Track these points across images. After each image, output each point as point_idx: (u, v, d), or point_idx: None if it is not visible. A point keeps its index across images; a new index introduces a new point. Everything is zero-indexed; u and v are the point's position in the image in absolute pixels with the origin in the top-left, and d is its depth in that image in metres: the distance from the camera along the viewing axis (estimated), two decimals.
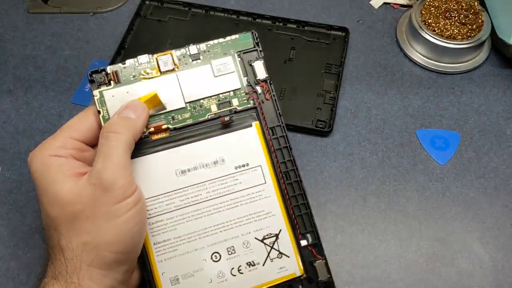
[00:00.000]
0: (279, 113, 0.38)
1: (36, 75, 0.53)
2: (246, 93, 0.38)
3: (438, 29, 0.52)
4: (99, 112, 0.36)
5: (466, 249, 0.42)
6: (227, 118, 0.37)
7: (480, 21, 0.52)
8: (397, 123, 0.49)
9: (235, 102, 0.38)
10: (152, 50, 0.53)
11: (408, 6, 0.58)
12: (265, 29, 0.55)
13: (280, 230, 0.37)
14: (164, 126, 0.36)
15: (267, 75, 0.38)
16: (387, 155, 0.47)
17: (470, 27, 0.52)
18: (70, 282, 0.31)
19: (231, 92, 0.38)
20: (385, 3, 0.58)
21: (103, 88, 0.36)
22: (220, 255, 0.36)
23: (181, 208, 0.36)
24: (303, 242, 0.37)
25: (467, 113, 0.50)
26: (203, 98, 0.37)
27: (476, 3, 0.53)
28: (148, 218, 0.35)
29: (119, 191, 0.31)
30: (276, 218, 0.37)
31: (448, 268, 0.42)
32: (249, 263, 0.36)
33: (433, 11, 0.53)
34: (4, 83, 0.52)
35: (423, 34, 0.52)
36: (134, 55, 0.53)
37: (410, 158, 0.47)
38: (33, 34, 0.56)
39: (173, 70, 0.37)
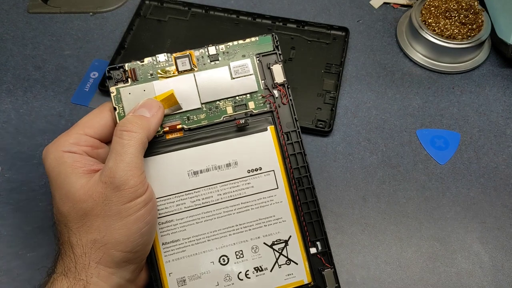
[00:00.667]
0: (295, 118, 0.38)
1: (36, 75, 0.53)
2: (263, 97, 0.37)
3: (438, 29, 0.52)
4: (115, 109, 0.36)
5: (466, 249, 0.42)
6: (242, 121, 0.36)
7: (480, 21, 0.52)
8: (397, 123, 0.49)
9: (251, 105, 0.37)
10: (152, 50, 0.54)
11: (408, 6, 0.58)
12: (265, 29, 0.55)
13: (290, 236, 0.36)
14: (179, 126, 0.36)
15: (285, 79, 0.38)
16: (387, 155, 0.47)
17: (470, 27, 0.52)
18: (78, 279, 0.31)
19: (248, 95, 0.37)
20: (385, 3, 0.58)
21: (120, 85, 0.36)
22: (228, 259, 0.36)
23: (191, 209, 0.36)
24: (313, 250, 0.37)
25: (467, 113, 0.50)
26: (219, 100, 0.37)
27: (476, 3, 0.53)
28: (158, 218, 0.35)
29: (130, 190, 0.31)
30: (286, 224, 0.36)
31: (448, 268, 0.42)
32: (256, 268, 0.36)
33: (433, 11, 0.53)
34: (4, 83, 0.52)
35: (423, 34, 0.52)
36: (134, 55, 0.53)
37: (410, 158, 0.47)
38: (33, 34, 0.56)
39: (191, 70, 0.37)
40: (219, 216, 0.36)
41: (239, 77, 0.37)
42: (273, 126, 0.37)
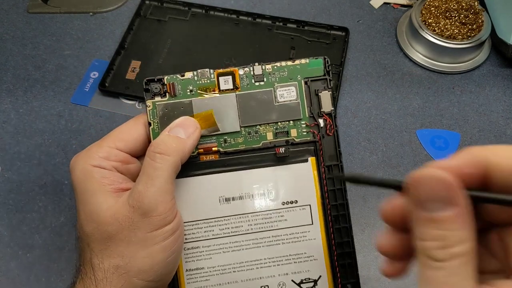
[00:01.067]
0: (339, 151, 0.35)
1: (35, 75, 0.53)
2: (307, 125, 0.35)
3: (438, 29, 0.52)
4: (149, 124, 0.34)
5: None
6: (282, 150, 0.34)
7: (480, 21, 0.52)
8: (397, 123, 0.49)
9: (293, 132, 0.35)
10: (152, 50, 0.54)
11: (408, 6, 0.58)
12: (265, 29, 0.55)
13: (320, 276, 0.34)
14: (215, 148, 0.34)
15: (332, 108, 0.35)
16: (387, 155, 0.47)
17: (470, 27, 0.52)
18: None
19: (291, 122, 0.35)
20: (385, 3, 0.58)
21: (157, 98, 0.34)
22: None
23: (219, 237, 0.34)
24: None
25: (467, 113, 0.50)
26: (260, 124, 0.35)
27: (476, 3, 0.53)
28: (184, 243, 0.34)
29: (159, 218, 0.30)
30: (317, 263, 0.34)
31: None
32: None
33: (433, 11, 0.53)
34: (4, 83, 0.52)
35: (423, 34, 0.52)
36: (134, 55, 0.53)
37: (410, 158, 0.47)
38: (33, 34, 0.56)
39: (233, 89, 0.34)
40: (248, 247, 0.34)
41: (284, 102, 0.35)
42: (314, 157, 0.35)
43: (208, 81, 0.34)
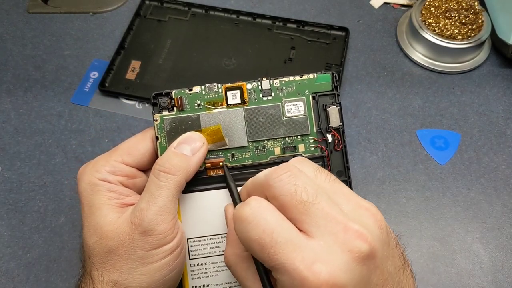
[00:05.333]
0: (347, 166, 0.35)
1: (36, 75, 0.53)
2: (315, 140, 0.34)
3: (438, 29, 0.52)
4: (157, 138, 0.33)
5: (466, 249, 0.42)
6: None
7: (480, 21, 0.52)
8: (397, 123, 0.49)
9: (301, 147, 0.34)
10: (152, 50, 0.54)
11: (408, 6, 0.58)
12: (265, 29, 0.55)
13: None
14: (222, 163, 0.34)
15: (341, 123, 0.35)
16: (387, 155, 0.47)
17: (470, 27, 0.52)
18: None
19: (299, 137, 0.34)
20: (385, 3, 0.58)
21: (164, 113, 0.34)
22: None
23: None
24: None
25: (467, 113, 0.50)
26: (267, 139, 0.34)
27: (476, 3, 0.53)
28: (190, 259, 0.33)
29: (158, 237, 0.30)
30: None
31: (448, 268, 0.41)
32: None
33: (433, 11, 0.53)
34: (4, 83, 0.52)
35: (423, 34, 0.52)
36: (134, 55, 0.53)
37: (410, 158, 0.47)
38: (33, 34, 0.56)
39: (241, 104, 0.34)
40: None
41: (292, 116, 0.34)
42: None
43: (216, 95, 0.34)
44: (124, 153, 0.33)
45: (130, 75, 0.52)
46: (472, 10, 0.52)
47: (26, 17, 0.57)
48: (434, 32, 0.52)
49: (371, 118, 0.50)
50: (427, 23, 0.52)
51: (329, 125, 0.34)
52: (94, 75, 0.53)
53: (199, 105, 0.34)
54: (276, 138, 0.34)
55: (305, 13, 0.57)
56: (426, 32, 0.52)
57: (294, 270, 0.24)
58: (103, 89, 0.51)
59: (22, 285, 0.41)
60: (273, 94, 0.35)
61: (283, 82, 0.35)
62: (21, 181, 0.46)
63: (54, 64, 0.53)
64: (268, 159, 0.34)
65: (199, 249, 0.34)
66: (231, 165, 0.34)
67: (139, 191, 0.33)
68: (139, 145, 0.34)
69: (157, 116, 0.34)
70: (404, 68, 0.53)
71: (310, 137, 0.35)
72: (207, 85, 0.34)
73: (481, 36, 0.51)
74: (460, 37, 0.51)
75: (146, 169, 0.34)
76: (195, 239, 0.33)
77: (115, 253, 0.30)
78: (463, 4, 0.53)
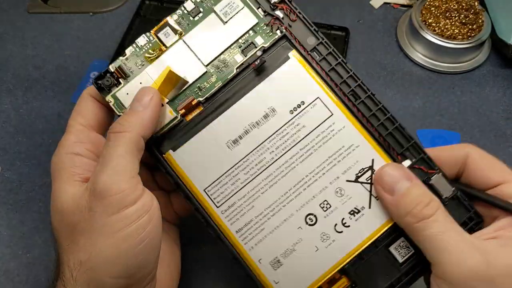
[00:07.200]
0: (314, 29, 0.32)
1: (36, 75, 0.53)
2: (267, 25, 0.32)
3: (438, 29, 0.52)
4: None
5: None
6: (257, 62, 0.31)
7: (480, 21, 0.52)
8: None
9: (259, 40, 0.32)
10: None
11: (408, 6, 0.58)
12: None
13: (373, 159, 0.31)
14: (194, 102, 0.32)
15: None
16: None
17: (470, 27, 0.52)
18: None
19: (250, 32, 0.32)
20: (385, 3, 0.58)
21: (114, 90, 0.32)
22: (315, 216, 0.31)
23: (249, 182, 0.31)
24: (406, 163, 0.31)
25: (467, 113, 0.50)
26: (222, 53, 0.32)
27: (476, 3, 0.53)
28: (217, 207, 0.31)
29: (115, 198, 0.26)
30: (362, 149, 0.31)
31: None
32: (352, 212, 0.31)
33: (433, 11, 0.53)
34: (4, 83, 0.52)
35: (423, 34, 0.52)
36: None
37: None
38: (33, 34, 0.56)
39: (177, 37, 0.32)
40: (283, 174, 0.31)
41: (231, 17, 0.32)
42: (294, 50, 0.32)
43: (150, 44, 0.32)
44: (77, 115, 0.32)
45: None
46: (472, 10, 0.52)
47: (26, 17, 0.57)
48: (434, 32, 0.52)
49: None
50: (427, 23, 0.52)
51: (272, 2, 0.32)
52: (94, 75, 0.53)
53: (141, 63, 0.32)
54: (230, 47, 0.32)
55: (305, 13, 0.57)
56: (426, 32, 0.52)
57: None
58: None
59: (22, 285, 0.41)
60: (201, 9, 0.32)
61: None
62: (21, 181, 0.46)
63: (54, 64, 0.53)
64: (235, 70, 0.32)
65: (221, 193, 0.31)
66: (204, 97, 0.32)
67: None
68: (88, 106, 0.32)
69: (109, 97, 0.32)
70: (404, 68, 0.53)
71: (261, 25, 0.32)
72: (136, 41, 0.32)
73: (481, 36, 0.51)
74: (460, 37, 0.51)
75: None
76: (211, 186, 0.31)
77: (78, 228, 0.27)
78: (463, 4, 0.53)
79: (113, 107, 0.32)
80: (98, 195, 0.27)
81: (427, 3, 0.54)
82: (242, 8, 0.32)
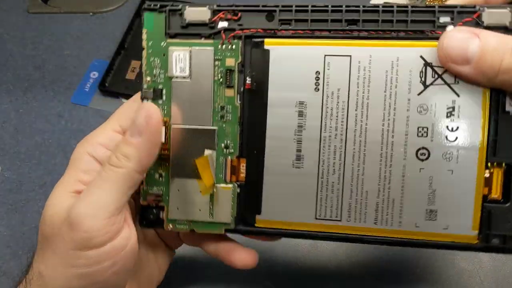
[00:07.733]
0: (262, 6, 0.28)
1: (36, 75, 0.53)
2: (222, 43, 0.29)
3: None
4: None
5: None
6: (248, 80, 0.28)
7: None
8: None
9: (231, 62, 0.28)
10: None
11: None
12: None
13: (421, 56, 0.27)
14: (233, 161, 0.29)
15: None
16: None
17: None
18: None
19: (217, 62, 0.29)
20: (385, 3, 0.58)
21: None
22: (423, 147, 0.27)
23: (343, 177, 0.28)
24: (449, 28, 0.26)
25: None
26: (212, 101, 0.29)
27: None
28: (339, 220, 0.28)
29: (83, 235, 0.24)
30: (402, 56, 0.27)
31: (448, 268, 0.41)
32: (448, 114, 0.27)
33: None
34: (4, 83, 0.52)
35: None
36: (134, 55, 0.53)
37: None
38: (33, 34, 0.56)
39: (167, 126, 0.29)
40: (363, 144, 0.27)
41: (193, 69, 0.29)
42: (264, 39, 0.28)
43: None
44: (122, 117, 0.29)
45: (130, 75, 0.52)
46: None
47: (26, 17, 0.57)
48: None
49: None
50: None
51: (206, 22, 0.29)
52: (94, 75, 0.53)
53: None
54: (214, 92, 0.28)
55: None
56: None
57: None
58: (103, 89, 0.51)
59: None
60: (160, 86, 0.30)
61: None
62: (21, 181, 0.46)
63: (54, 64, 0.53)
64: (238, 105, 0.28)
65: (331, 207, 0.28)
66: (237, 150, 0.28)
67: None
68: (134, 107, 0.28)
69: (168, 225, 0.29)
70: None
71: (218, 47, 0.28)
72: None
73: None
74: None
75: None
76: (318, 209, 0.28)
77: (48, 241, 0.26)
78: None
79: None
80: (69, 224, 0.25)
81: (426, 3, 0.54)
82: (190, 51, 0.29)
